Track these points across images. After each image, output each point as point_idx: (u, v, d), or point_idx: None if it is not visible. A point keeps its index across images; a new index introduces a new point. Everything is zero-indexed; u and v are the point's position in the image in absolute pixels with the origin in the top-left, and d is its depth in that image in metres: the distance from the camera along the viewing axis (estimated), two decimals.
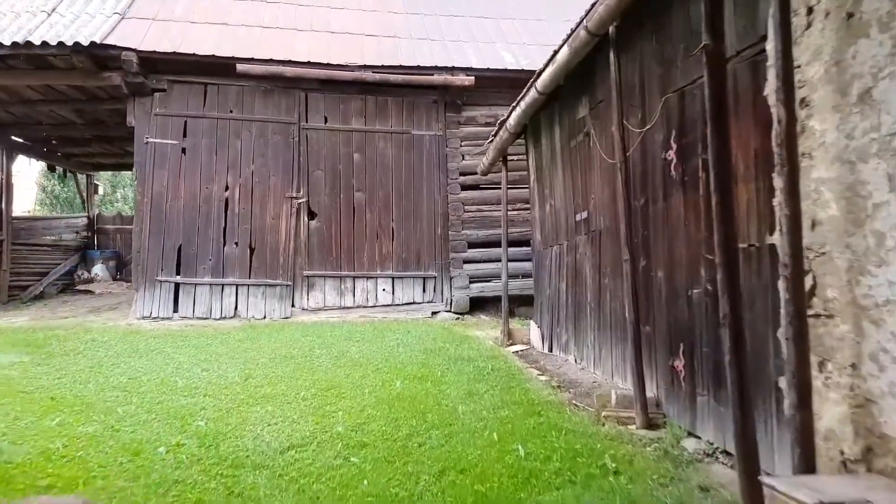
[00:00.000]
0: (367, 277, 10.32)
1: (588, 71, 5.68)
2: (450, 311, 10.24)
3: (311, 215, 10.28)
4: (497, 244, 10.18)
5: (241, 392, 5.45)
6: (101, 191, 18.82)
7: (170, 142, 9.97)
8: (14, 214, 15.39)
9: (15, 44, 8.69)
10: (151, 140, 9.92)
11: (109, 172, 21.98)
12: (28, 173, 21.36)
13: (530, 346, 7.49)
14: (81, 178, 17.80)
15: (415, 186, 10.42)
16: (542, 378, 5.85)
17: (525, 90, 6.30)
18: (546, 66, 5.58)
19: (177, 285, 9.92)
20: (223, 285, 9.99)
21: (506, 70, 10.03)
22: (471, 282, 10.34)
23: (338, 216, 10.29)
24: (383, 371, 6.17)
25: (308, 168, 10.24)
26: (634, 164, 4.82)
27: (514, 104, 6.74)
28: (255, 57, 9.60)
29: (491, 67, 10.01)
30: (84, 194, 17.83)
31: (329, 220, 10.27)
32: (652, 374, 4.50)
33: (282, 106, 10.20)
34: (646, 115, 4.65)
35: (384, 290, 10.35)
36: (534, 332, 7.62)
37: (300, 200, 10.17)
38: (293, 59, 9.68)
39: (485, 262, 10.35)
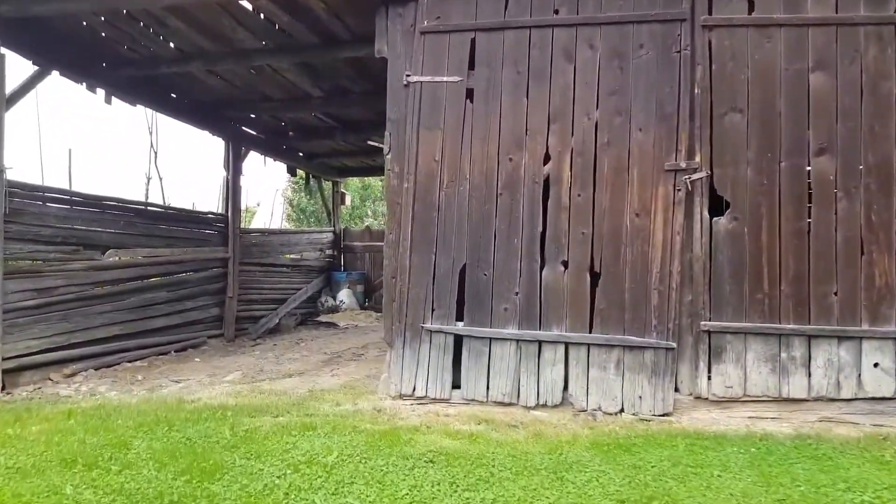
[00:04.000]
0: (840, 338, 4.79)
1: None
2: None
3: (718, 206, 5.05)
4: None
5: None
6: (348, 201, 15.67)
7: (446, 79, 5.47)
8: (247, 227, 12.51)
9: None
10: (415, 79, 5.51)
11: (357, 182, 19.16)
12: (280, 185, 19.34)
13: None
14: (326, 185, 14.72)
15: None
16: None
17: None
18: None
19: (458, 339, 5.33)
20: (541, 343, 5.16)
21: None
22: None
23: (774, 208, 4.93)
24: None
25: (711, 109, 5.04)
26: None
27: None
28: None
29: None
30: (329, 205, 14.71)
31: (756, 216, 4.95)
32: None
33: None
34: None
35: (877, 365, 4.72)
36: None
37: (694, 176, 4.99)
38: None
39: None
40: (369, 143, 5.80)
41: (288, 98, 9.16)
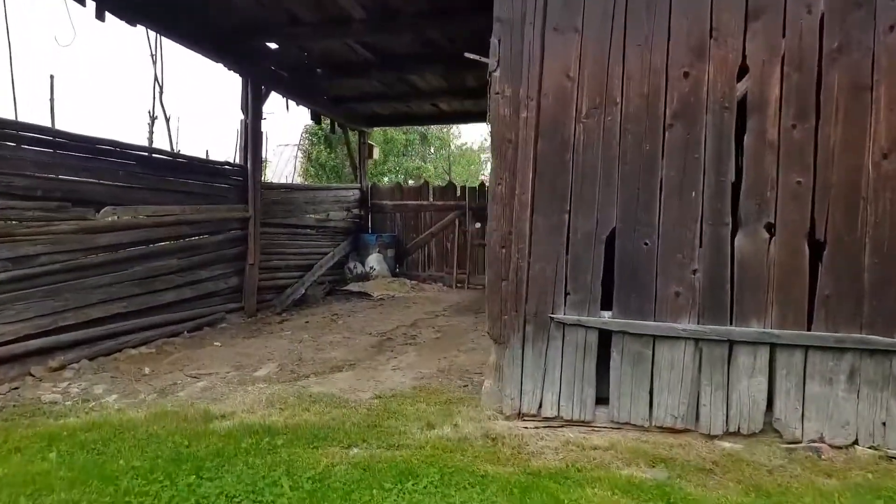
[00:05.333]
0: None
1: None
2: None
3: None
4: None
5: None
6: (376, 154, 13.92)
7: None
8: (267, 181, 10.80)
9: None
10: None
11: (379, 135, 17.35)
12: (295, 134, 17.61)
13: None
14: (351, 137, 12.94)
15: None
16: None
17: None
18: None
19: (604, 336, 3.70)
20: (732, 343, 3.54)
21: None
22: None
23: None
24: None
25: None
26: None
27: None
28: None
29: None
30: (356, 158, 12.97)
31: None
32: None
33: None
34: None
35: None
36: None
37: None
38: None
39: None
40: (466, 56, 4.06)
41: (323, 20, 7.38)
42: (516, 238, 3.82)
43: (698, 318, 3.58)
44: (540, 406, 3.76)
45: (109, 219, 6.26)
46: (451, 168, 21.50)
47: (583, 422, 3.71)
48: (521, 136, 3.83)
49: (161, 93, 7.84)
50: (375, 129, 14.12)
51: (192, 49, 7.52)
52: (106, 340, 6.10)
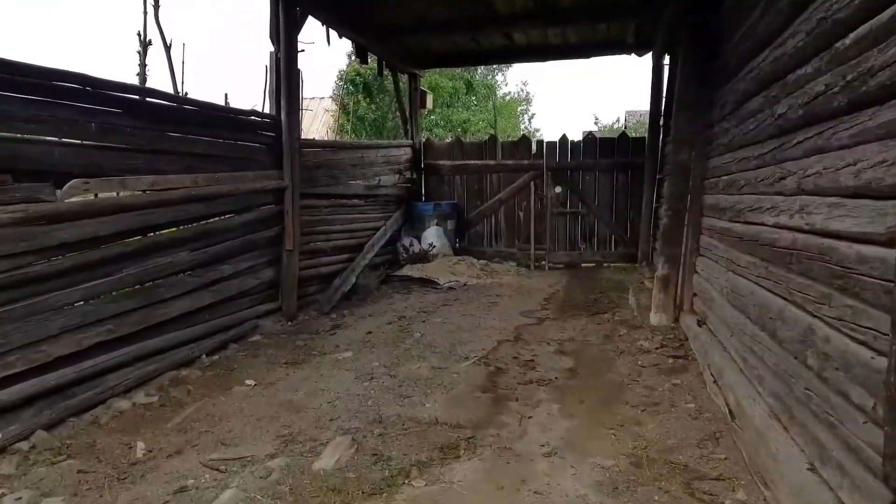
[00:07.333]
0: None
1: None
2: None
3: None
4: None
5: None
6: (429, 103, 11.46)
7: None
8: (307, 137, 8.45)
9: None
10: None
11: (426, 83, 14.79)
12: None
13: None
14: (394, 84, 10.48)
15: None
16: None
17: None
18: None
19: None
20: None
21: None
22: None
23: None
24: None
25: None
26: None
27: None
28: None
29: None
30: (407, 108, 10.53)
31: None
32: None
33: None
34: None
35: None
36: None
37: None
38: None
39: None
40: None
41: None
42: None
43: None
44: None
45: (79, 198, 3.99)
46: (497, 120, 18.98)
47: None
48: None
49: (157, 6, 5.41)
50: (427, 71, 11.64)
51: None
52: (79, 388, 3.92)
